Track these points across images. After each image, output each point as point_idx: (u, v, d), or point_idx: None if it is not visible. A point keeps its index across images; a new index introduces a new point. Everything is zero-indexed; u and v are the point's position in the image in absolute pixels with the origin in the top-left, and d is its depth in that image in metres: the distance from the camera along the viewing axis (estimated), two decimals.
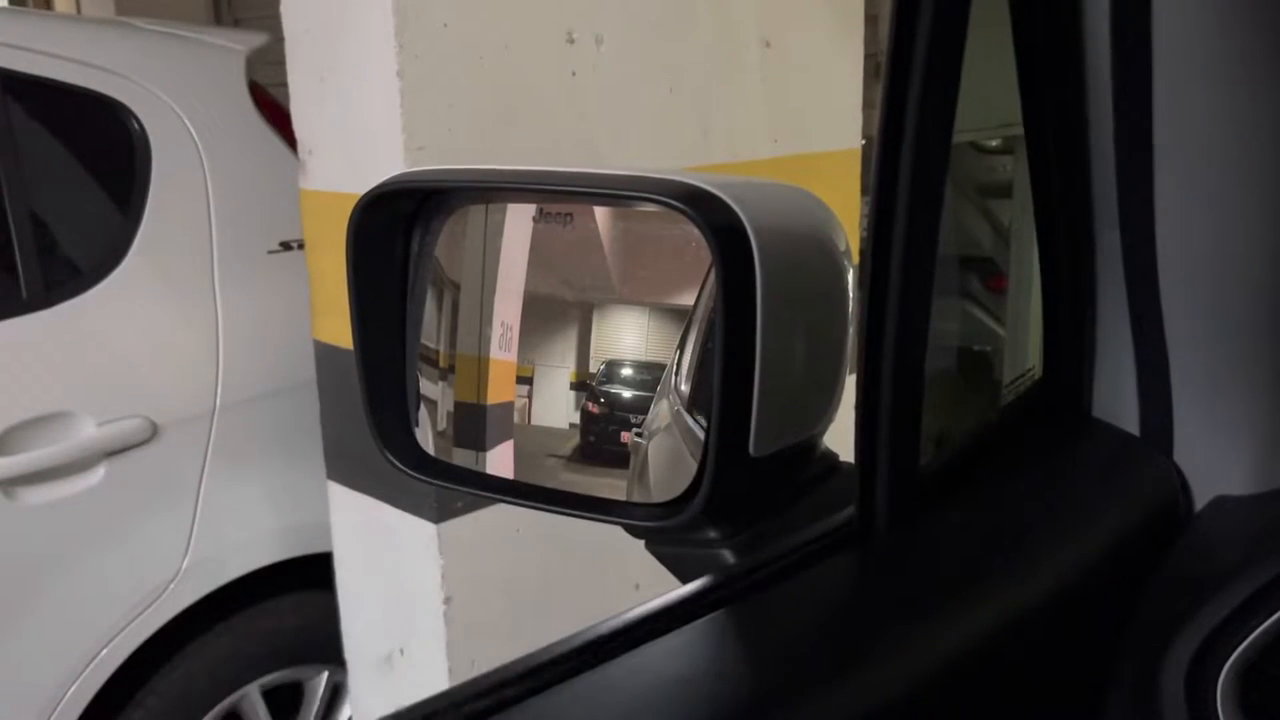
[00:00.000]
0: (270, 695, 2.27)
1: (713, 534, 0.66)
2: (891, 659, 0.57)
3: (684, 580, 0.60)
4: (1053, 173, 0.77)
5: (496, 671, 0.50)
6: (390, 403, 0.75)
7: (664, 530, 0.66)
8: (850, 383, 0.63)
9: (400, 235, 0.73)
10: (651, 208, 0.63)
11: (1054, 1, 0.71)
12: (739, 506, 0.64)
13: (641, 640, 0.53)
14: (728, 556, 0.65)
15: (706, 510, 0.59)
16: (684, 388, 0.67)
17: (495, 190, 0.74)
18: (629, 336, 0.70)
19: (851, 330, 0.64)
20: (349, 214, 0.69)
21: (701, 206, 0.58)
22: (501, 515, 1.87)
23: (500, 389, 0.74)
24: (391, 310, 0.73)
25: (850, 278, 0.65)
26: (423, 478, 0.75)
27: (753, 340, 0.56)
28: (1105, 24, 0.70)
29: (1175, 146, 0.71)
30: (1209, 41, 0.68)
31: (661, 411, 0.68)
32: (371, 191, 0.68)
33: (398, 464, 0.75)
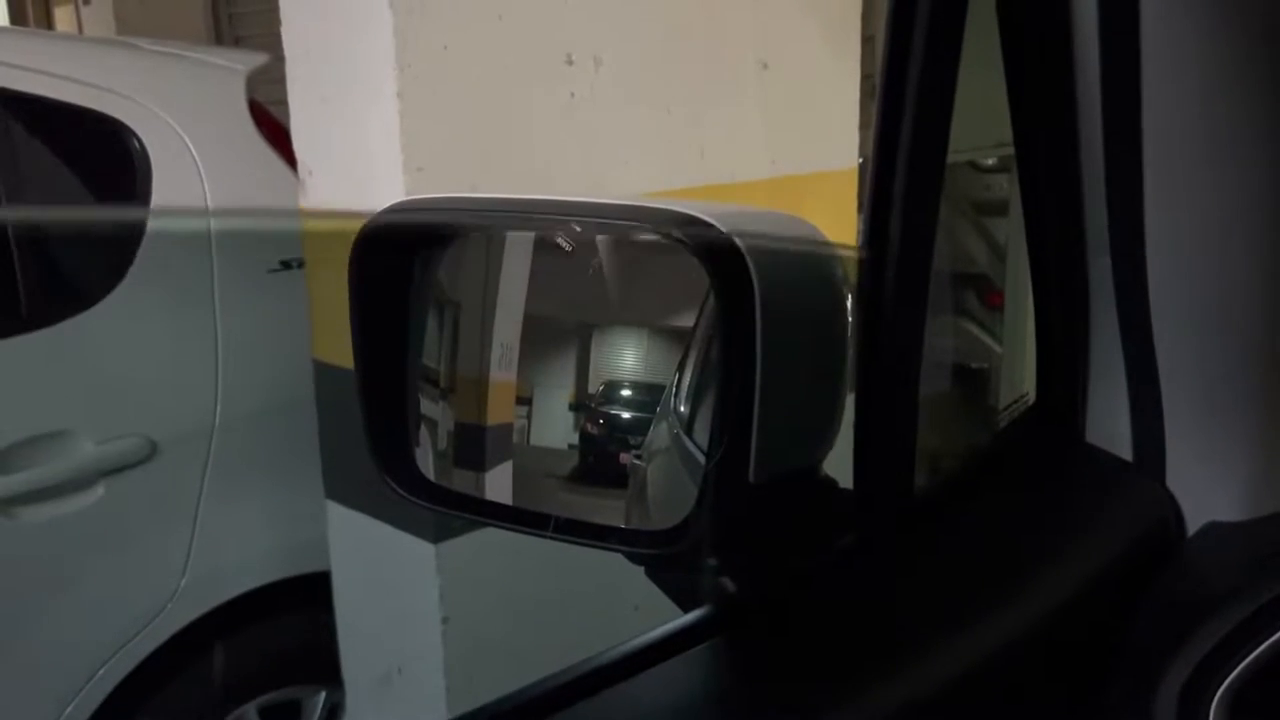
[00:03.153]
0: (267, 714, 2.27)
1: (712, 561, 0.66)
2: (888, 684, 0.58)
3: (683, 607, 0.61)
4: (1044, 199, 0.77)
5: (496, 703, 0.50)
6: (390, 427, 0.76)
7: (663, 558, 0.66)
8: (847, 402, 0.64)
9: (402, 263, 0.73)
10: (650, 237, 0.64)
11: (1043, 28, 0.72)
12: (738, 533, 0.65)
13: (641, 669, 0.53)
14: (726, 584, 0.66)
15: (706, 539, 0.59)
16: (683, 409, 0.67)
17: (495, 219, 0.75)
18: (628, 357, 0.71)
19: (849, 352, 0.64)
20: (350, 238, 0.70)
21: (700, 236, 0.58)
22: (499, 535, 1.87)
23: (500, 409, 0.75)
24: (392, 337, 0.74)
25: (848, 305, 0.66)
26: (423, 503, 0.75)
27: (752, 371, 0.56)
28: (1094, 51, 0.71)
29: (1166, 173, 0.72)
30: (1199, 69, 0.69)
31: (661, 433, 0.69)
32: (374, 219, 0.69)
33: (397, 489, 0.75)
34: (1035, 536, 0.72)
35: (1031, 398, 0.82)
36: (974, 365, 4.10)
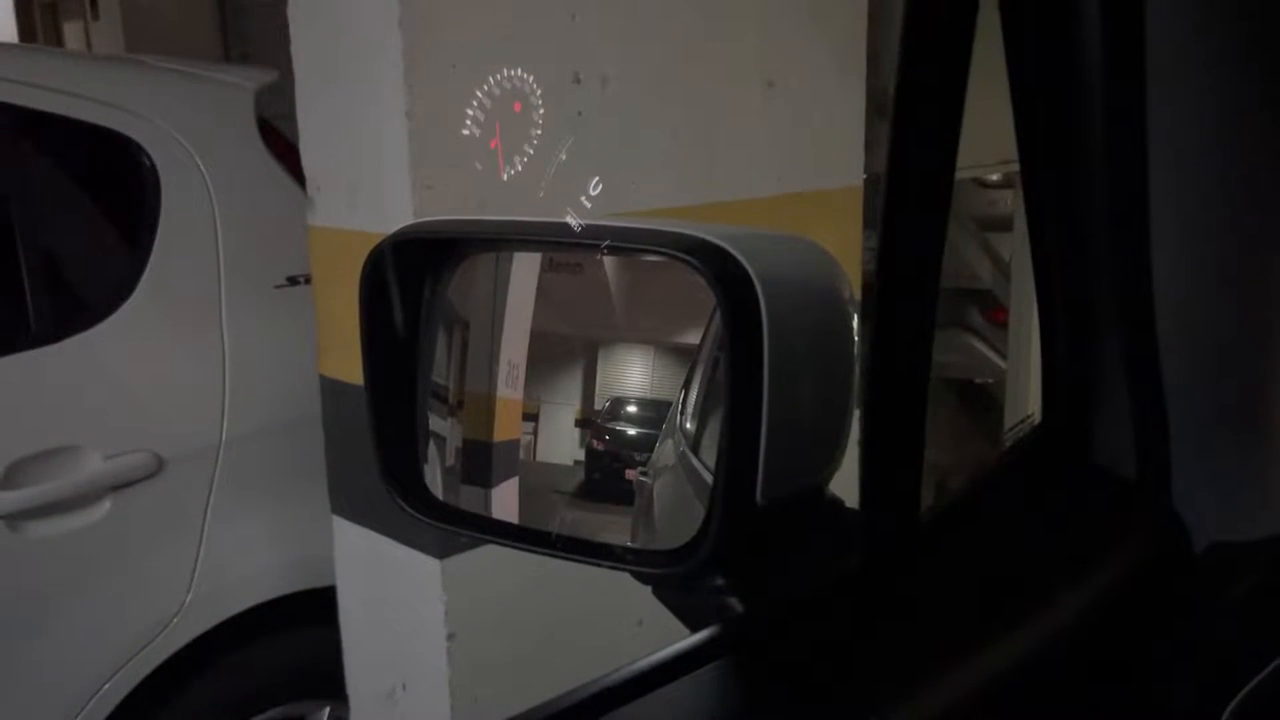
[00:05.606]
0: None
1: (719, 581, 0.66)
2: (893, 707, 0.58)
3: (690, 626, 0.61)
4: (1049, 216, 0.78)
5: None
6: (399, 444, 0.76)
7: (670, 577, 0.67)
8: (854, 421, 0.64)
9: (412, 282, 0.74)
10: (658, 259, 0.64)
11: (1048, 43, 0.73)
12: (745, 553, 0.65)
13: (648, 689, 0.54)
14: (733, 603, 0.66)
15: (713, 560, 0.59)
16: (689, 426, 0.68)
17: (505, 241, 0.75)
18: (634, 374, 0.71)
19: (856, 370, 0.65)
20: (359, 255, 0.70)
21: (709, 259, 0.59)
22: (504, 552, 1.87)
23: (506, 426, 0.75)
24: (402, 357, 0.74)
25: (855, 325, 0.66)
26: (430, 521, 0.76)
27: (759, 392, 0.57)
28: (1099, 67, 0.71)
29: (1172, 189, 0.72)
30: (1204, 86, 0.70)
31: (666, 450, 0.69)
32: (385, 241, 0.70)
33: (405, 506, 0.76)
34: (1041, 559, 0.72)
35: (1037, 418, 0.82)
36: (979, 382, 4.12)
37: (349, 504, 2.07)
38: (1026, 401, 3.42)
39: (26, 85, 1.99)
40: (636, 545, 0.70)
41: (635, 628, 1.96)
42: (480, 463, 0.77)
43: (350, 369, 1.89)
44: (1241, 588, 0.72)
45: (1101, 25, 0.70)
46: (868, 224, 2.41)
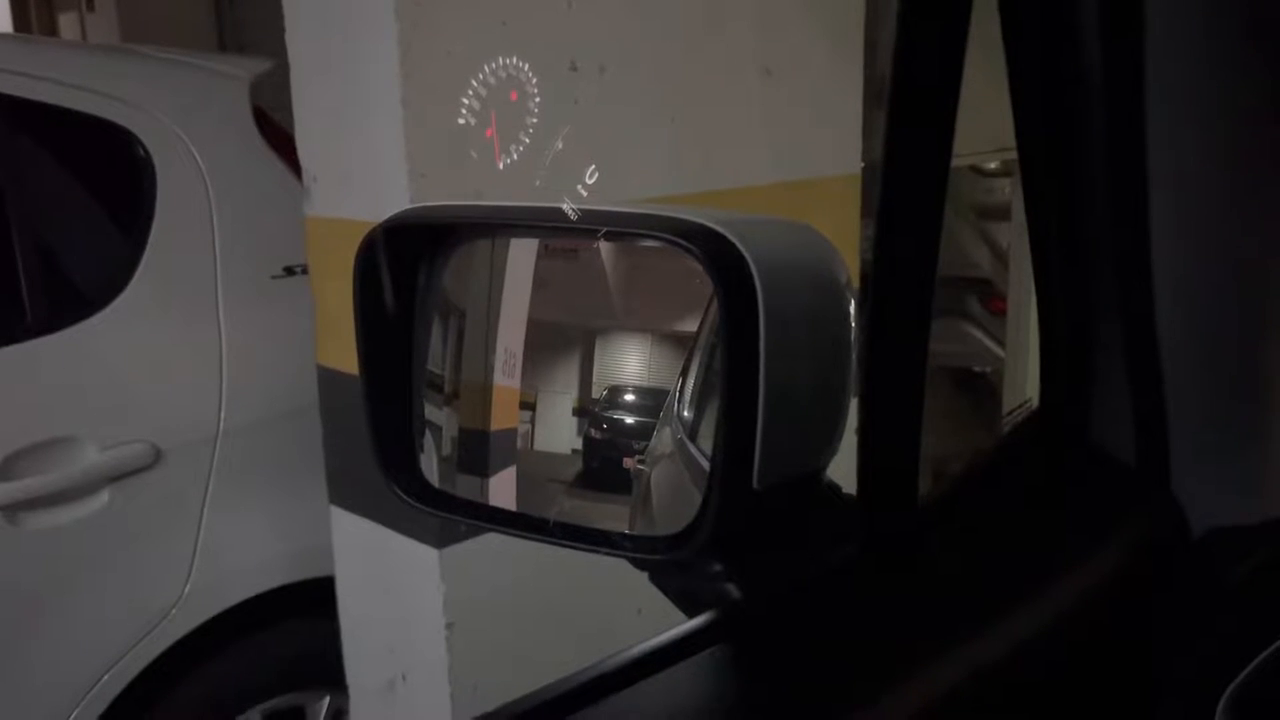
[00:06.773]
0: None
1: (716, 567, 0.66)
2: (891, 691, 0.58)
3: (687, 613, 0.61)
4: (1047, 203, 0.78)
5: (500, 709, 0.50)
6: (395, 433, 0.76)
7: (667, 563, 0.67)
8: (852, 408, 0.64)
9: (407, 269, 0.74)
10: (655, 244, 0.64)
11: (1046, 29, 0.72)
12: (742, 539, 0.65)
13: (644, 675, 0.54)
14: (730, 589, 0.66)
15: (710, 545, 0.59)
16: (687, 414, 0.68)
17: (501, 226, 0.75)
18: (632, 363, 0.71)
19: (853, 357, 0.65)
20: (355, 245, 0.70)
21: (705, 243, 0.58)
22: (503, 540, 1.87)
23: (504, 415, 0.75)
24: (397, 343, 0.74)
25: (852, 310, 0.66)
26: (427, 509, 0.76)
27: (756, 377, 0.57)
28: (1098, 52, 0.71)
29: (1170, 175, 0.72)
30: (1204, 70, 0.69)
31: (664, 438, 0.69)
32: (379, 226, 0.69)
33: (402, 494, 0.76)
34: (1039, 544, 0.72)
35: (1035, 403, 0.82)
36: (978, 370, 4.12)
37: (347, 494, 2.07)
38: (1025, 390, 3.42)
39: (21, 75, 1.98)
40: (634, 532, 0.70)
41: (634, 616, 1.96)
42: (477, 452, 0.77)
43: (348, 359, 1.89)
44: (1239, 572, 0.72)
45: (1100, 11, 0.69)
46: (865, 212, 2.41)
